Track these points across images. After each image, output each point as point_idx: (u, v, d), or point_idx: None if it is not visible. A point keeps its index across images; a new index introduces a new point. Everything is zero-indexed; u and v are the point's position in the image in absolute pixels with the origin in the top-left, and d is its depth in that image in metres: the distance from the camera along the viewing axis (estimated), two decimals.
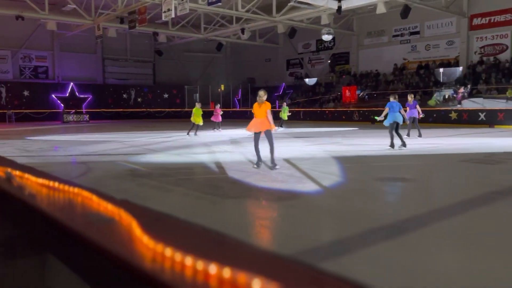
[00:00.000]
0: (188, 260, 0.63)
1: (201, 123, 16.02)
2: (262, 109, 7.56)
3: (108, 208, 0.99)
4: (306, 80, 34.37)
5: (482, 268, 3.18)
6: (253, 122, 7.70)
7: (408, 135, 13.13)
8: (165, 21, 25.30)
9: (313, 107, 29.66)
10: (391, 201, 5.62)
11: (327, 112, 27.54)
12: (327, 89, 31.64)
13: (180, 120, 30.49)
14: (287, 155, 9.45)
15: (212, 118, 19.09)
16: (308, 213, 4.76)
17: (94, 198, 1.08)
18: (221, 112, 19.48)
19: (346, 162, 8.57)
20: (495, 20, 24.62)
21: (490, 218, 4.53)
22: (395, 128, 10.46)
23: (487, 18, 24.91)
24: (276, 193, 5.81)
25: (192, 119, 16.10)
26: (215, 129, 18.81)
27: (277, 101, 33.00)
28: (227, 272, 0.58)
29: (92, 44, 32.98)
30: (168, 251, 0.68)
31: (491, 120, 19.62)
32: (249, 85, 36.69)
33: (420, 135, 13.56)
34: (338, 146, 11.74)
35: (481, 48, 25.43)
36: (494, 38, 24.90)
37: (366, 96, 28.04)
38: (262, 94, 7.74)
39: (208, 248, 0.69)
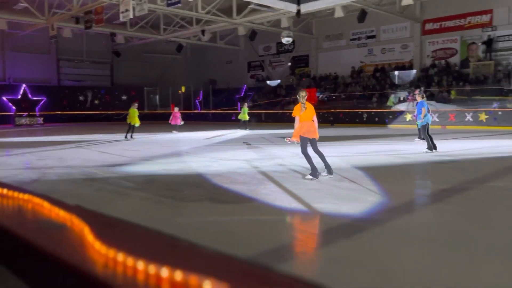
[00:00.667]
0: (140, 265, 0.63)
1: (137, 124, 15.89)
2: (311, 110, 6.77)
3: (59, 214, 0.97)
4: (269, 82, 34.64)
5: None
6: (306, 126, 6.71)
7: (421, 138, 11.90)
8: (123, 21, 24.75)
9: (274, 109, 29.93)
10: None
11: (288, 114, 27.85)
12: (288, 92, 32.03)
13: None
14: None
15: (171, 121, 19.03)
16: (271, 213, 4.81)
17: (46, 204, 1.06)
18: (179, 115, 19.36)
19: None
20: (446, 25, 25.81)
21: None
22: (427, 129, 10.08)
23: (439, 23, 26.07)
24: (236, 195, 5.82)
25: (128, 120, 15.96)
26: (174, 131, 18.72)
27: (238, 103, 33.05)
28: (178, 275, 0.58)
29: (46, 44, 31.69)
30: (120, 256, 0.67)
31: (443, 121, 20.53)
32: (211, 86, 36.54)
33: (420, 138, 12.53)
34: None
35: (433, 52, 26.56)
36: (445, 43, 26.08)
37: (326, 98, 28.61)
38: (305, 94, 6.86)
39: (161, 251, 0.69)
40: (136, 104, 16.50)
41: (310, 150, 6.85)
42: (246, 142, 13.69)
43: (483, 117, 19.18)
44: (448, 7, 25.19)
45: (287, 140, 7.06)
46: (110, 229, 0.84)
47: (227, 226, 4.38)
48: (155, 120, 32.67)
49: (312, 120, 6.78)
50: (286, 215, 4.84)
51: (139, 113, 16.26)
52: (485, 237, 4.00)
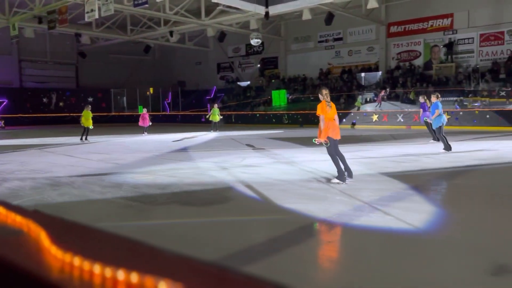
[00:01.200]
0: (97, 268, 0.63)
1: (91, 126, 15.78)
2: (334, 109, 6.33)
3: (16, 220, 0.95)
4: (240, 83, 34.68)
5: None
6: (331, 126, 6.28)
7: (436, 139, 11.72)
8: (89, 22, 24.18)
9: (244, 110, 29.99)
10: None
11: (258, 115, 27.98)
12: (258, 93, 32.17)
13: (106, 125, 29.28)
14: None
15: (140, 123, 19.06)
16: (241, 214, 4.82)
17: (1, 210, 1.03)
18: (147, 116, 19.41)
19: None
20: (409, 28, 26.61)
21: None
22: (442, 130, 10.05)
23: (403, 26, 26.84)
24: (205, 197, 5.80)
25: (81, 122, 15.83)
26: (145, 133, 18.66)
27: (208, 104, 32.92)
28: (134, 277, 0.59)
29: (6, 44, 30.57)
30: (77, 260, 0.67)
31: (408, 121, 21.13)
32: (179, 88, 36.24)
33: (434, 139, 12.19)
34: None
35: (398, 54, 27.33)
36: (409, 45, 26.88)
37: (295, 99, 28.95)
38: (328, 91, 6.39)
39: (119, 255, 0.69)
40: (90, 106, 16.39)
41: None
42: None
43: (446, 116, 19.84)
44: (412, 10, 25.98)
45: (316, 141, 6.41)
46: (68, 234, 0.83)
47: (194, 228, 4.36)
48: (123, 122, 32.10)
49: (334, 119, 6.35)
50: (255, 216, 4.86)
51: (92, 115, 16.19)
52: None
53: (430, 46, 26.07)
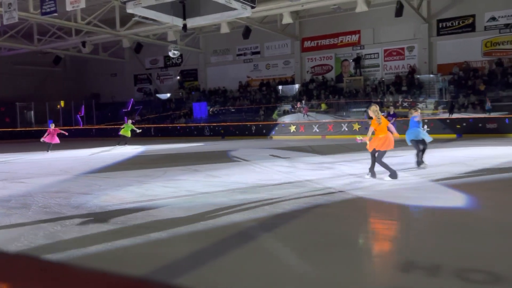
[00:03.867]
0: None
1: None
2: (385, 124, 7.56)
3: None
4: (158, 95, 33.93)
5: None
6: (384, 140, 7.53)
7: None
8: None
9: (164, 123, 29.40)
10: None
11: (179, 127, 27.58)
12: (178, 105, 31.76)
13: (11, 142, 26.99)
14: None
15: (45, 139, 16.70)
16: (161, 228, 4.71)
17: None
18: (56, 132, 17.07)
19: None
20: (322, 44, 28.14)
21: None
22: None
23: (316, 42, 28.30)
24: (123, 214, 5.59)
25: None
26: (48, 151, 16.59)
27: (125, 117, 31.71)
28: None
29: None
30: None
31: (323, 131, 22.22)
32: (94, 101, 34.56)
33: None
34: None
35: (312, 68, 28.71)
36: (321, 59, 28.38)
37: (216, 111, 29.04)
38: (377, 108, 7.72)
39: (31, 275, 0.67)
40: None
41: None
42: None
43: (356, 126, 21.22)
44: (324, 27, 27.52)
45: (359, 140, 8.17)
46: None
47: (112, 247, 4.18)
48: (30, 138, 29.76)
49: (388, 131, 7.59)
50: (177, 230, 4.78)
51: None
52: None
53: (341, 61, 27.77)
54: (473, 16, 23.57)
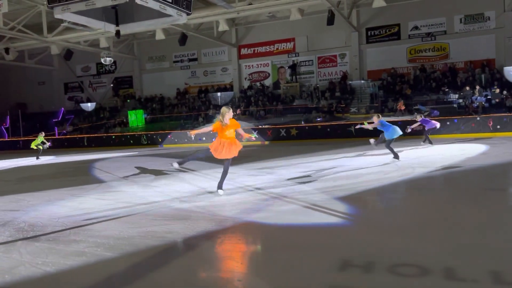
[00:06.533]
0: None
1: None
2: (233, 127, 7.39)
3: None
4: (83, 105, 32.48)
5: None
6: (225, 145, 7.28)
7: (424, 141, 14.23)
8: None
9: (98, 132, 28.21)
10: None
11: (114, 137, 26.58)
12: (112, 114, 30.65)
13: None
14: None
15: None
16: (97, 244, 4.50)
17: None
18: None
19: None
20: (259, 51, 28.55)
21: None
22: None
23: (252, 49, 28.67)
24: (54, 230, 5.28)
25: None
26: None
27: (55, 127, 30.09)
28: None
29: None
30: None
31: (263, 136, 22.49)
32: (19, 111, 32.37)
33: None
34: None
35: (249, 74, 29.03)
36: (259, 66, 28.79)
37: (152, 119, 28.39)
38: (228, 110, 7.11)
39: None
40: None
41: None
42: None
43: (294, 132, 21.72)
44: (260, 34, 27.97)
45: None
46: None
47: (45, 266, 3.93)
48: None
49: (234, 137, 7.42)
50: (113, 244, 4.60)
51: None
52: None
53: (277, 68, 28.35)
54: (398, 25, 25.14)
